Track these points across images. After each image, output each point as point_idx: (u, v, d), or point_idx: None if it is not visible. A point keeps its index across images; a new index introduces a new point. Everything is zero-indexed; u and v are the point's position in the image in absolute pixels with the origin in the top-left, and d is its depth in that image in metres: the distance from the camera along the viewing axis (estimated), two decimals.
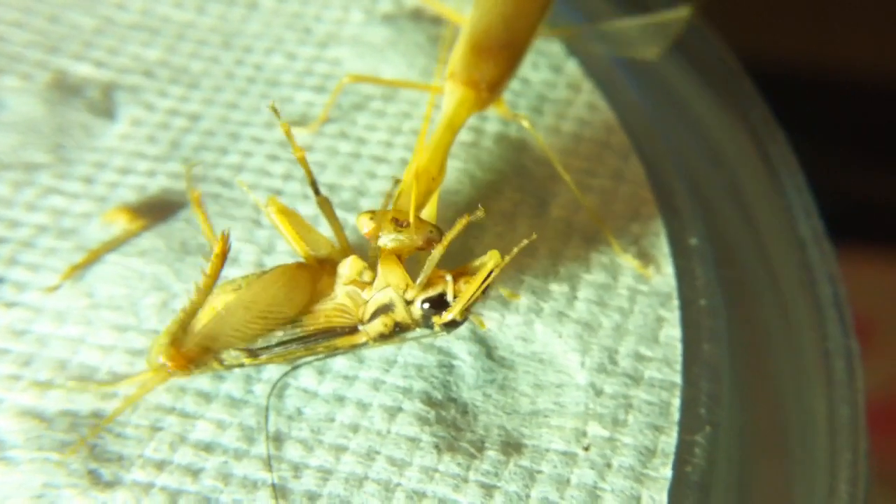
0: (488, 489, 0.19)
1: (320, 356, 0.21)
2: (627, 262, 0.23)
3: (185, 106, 0.27)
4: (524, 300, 0.23)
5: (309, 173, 0.20)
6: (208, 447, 0.20)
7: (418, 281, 0.19)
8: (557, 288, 0.23)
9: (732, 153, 0.27)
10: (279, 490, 0.19)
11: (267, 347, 0.20)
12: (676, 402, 0.20)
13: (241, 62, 0.29)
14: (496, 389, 0.21)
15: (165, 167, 0.26)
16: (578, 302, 0.23)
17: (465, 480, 0.20)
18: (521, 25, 0.25)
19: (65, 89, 0.27)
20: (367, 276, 0.20)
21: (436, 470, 0.20)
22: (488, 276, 0.19)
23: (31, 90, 0.27)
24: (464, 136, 0.27)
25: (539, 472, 0.20)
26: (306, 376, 0.21)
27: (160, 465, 0.20)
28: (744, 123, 0.27)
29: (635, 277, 0.23)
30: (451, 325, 0.20)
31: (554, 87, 0.29)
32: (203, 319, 0.19)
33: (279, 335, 0.20)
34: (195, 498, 0.19)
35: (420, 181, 0.21)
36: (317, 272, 0.20)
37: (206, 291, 0.19)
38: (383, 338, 0.20)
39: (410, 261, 0.21)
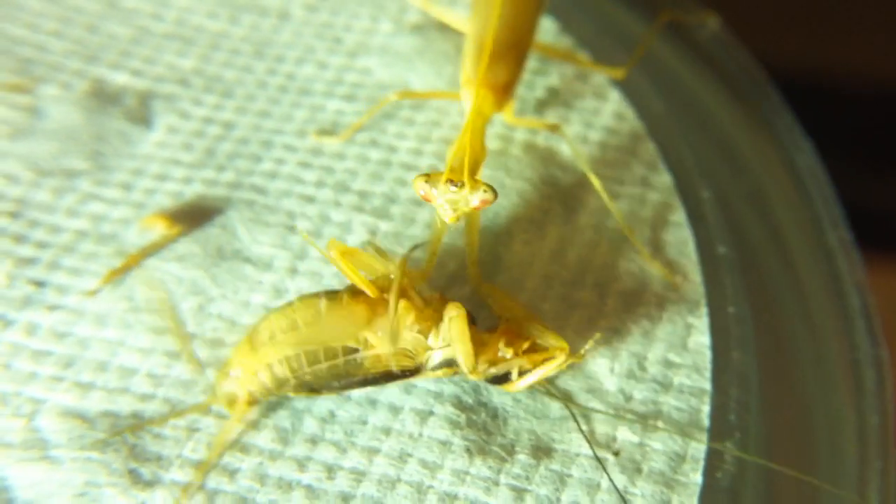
0: (519, 492, 0.20)
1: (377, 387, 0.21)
2: (656, 269, 0.24)
3: (219, 114, 0.28)
4: (553, 306, 0.23)
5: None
6: (244, 448, 0.20)
7: (505, 354, 0.20)
8: (586, 295, 0.23)
9: (759, 163, 0.27)
10: (313, 491, 0.20)
11: (330, 387, 0.20)
12: (706, 408, 0.21)
13: (273, 71, 0.29)
14: (526, 394, 0.22)
15: (201, 174, 0.26)
16: (607, 308, 0.23)
17: (497, 483, 0.20)
18: (522, 26, 0.26)
19: (103, 98, 0.28)
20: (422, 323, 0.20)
21: (467, 473, 0.20)
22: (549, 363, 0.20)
23: (70, 99, 0.28)
24: (492, 144, 0.27)
25: (569, 476, 0.20)
26: None
27: (198, 466, 0.20)
28: (770, 133, 0.28)
29: (663, 285, 0.23)
30: (499, 380, 0.21)
31: (581, 96, 0.29)
32: (263, 333, 0.20)
33: (343, 374, 0.20)
34: (232, 498, 0.20)
35: (465, 147, 0.21)
36: (378, 305, 0.20)
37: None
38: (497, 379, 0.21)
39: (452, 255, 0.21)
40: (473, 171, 0.21)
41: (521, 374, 0.20)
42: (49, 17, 0.30)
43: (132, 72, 0.29)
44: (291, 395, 0.20)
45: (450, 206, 0.20)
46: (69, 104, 0.28)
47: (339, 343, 0.20)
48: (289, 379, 0.20)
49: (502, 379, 0.20)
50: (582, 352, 0.20)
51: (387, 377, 0.20)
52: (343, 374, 0.20)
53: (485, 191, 0.20)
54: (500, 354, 0.20)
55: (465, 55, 0.26)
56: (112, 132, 0.27)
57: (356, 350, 0.20)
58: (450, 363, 0.20)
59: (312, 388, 0.20)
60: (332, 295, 0.21)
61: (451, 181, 0.20)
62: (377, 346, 0.20)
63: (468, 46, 0.26)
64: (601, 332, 0.21)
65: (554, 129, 0.26)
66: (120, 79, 0.29)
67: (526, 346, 0.20)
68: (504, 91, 0.25)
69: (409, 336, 0.20)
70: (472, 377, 0.20)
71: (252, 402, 0.20)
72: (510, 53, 0.25)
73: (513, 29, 0.26)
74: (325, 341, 0.20)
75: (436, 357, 0.20)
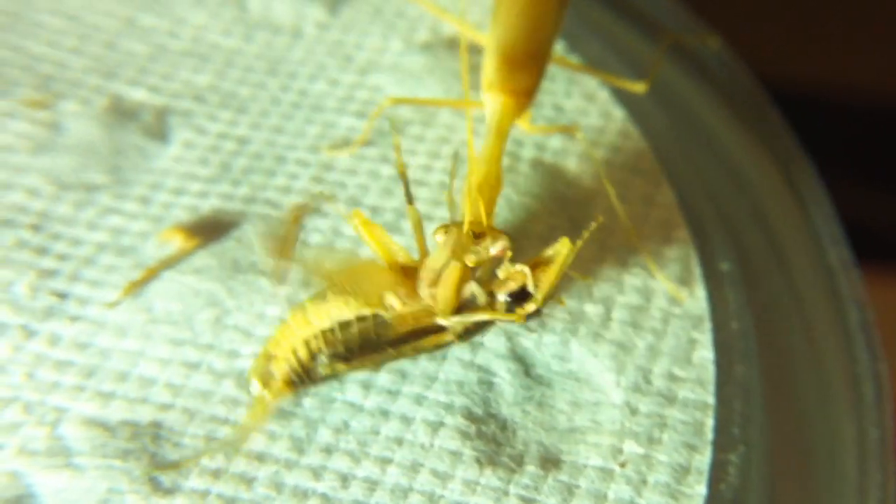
0: (528, 502, 0.20)
1: (407, 357, 0.22)
2: (661, 284, 0.24)
3: (234, 130, 0.29)
4: (560, 321, 0.24)
5: (406, 186, 0.21)
6: (261, 457, 0.21)
7: (500, 274, 0.21)
8: (592, 309, 0.24)
9: (760, 181, 0.28)
10: (329, 499, 0.20)
11: (361, 352, 0.21)
12: (710, 421, 0.21)
13: (286, 88, 0.30)
14: (534, 406, 0.22)
15: (217, 188, 0.27)
16: (613, 323, 0.24)
17: (506, 493, 0.20)
18: (543, 37, 0.27)
19: (121, 113, 0.29)
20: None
21: (477, 483, 0.21)
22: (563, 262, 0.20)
23: (89, 114, 0.29)
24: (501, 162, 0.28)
25: (577, 487, 0.21)
26: (352, 391, 0.22)
27: (216, 474, 0.21)
28: (772, 152, 0.28)
29: (668, 300, 0.24)
30: (533, 315, 0.21)
31: (587, 114, 0.30)
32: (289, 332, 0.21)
33: (374, 338, 0.21)
34: None
35: (483, 192, 0.22)
36: (399, 276, 0.21)
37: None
38: (468, 333, 0.21)
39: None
40: (490, 213, 0.22)
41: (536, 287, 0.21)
42: (68, 35, 0.31)
43: (149, 88, 0.30)
44: (326, 372, 0.21)
45: (471, 255, 0.21)
46: (88, 119, 0.28)
47: (365, 308, 0.20)
48: (323, 350, 0.20)
49: (521, 297, 0.21)
50: (586, 235, 0.21)
51: (416, 335, 0.21)
52: (374, 338, 0.21)
53: (503, 240, 0.21)
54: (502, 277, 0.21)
55: (486, 61, 0.26)
56: (130, 147, 0.28)
57: (380, 315, 0.21)
58: (469, 304, 0.21)
59: (347, 359, 0.21)
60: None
61: (473, 233, 0.21)
62: (398, 307, 0.21)
63: (490, 52, 0.26)
64: (595, 223, 0.21)
65: (571, 131, 0.26)
66: (137, 95, 0.29)
67: (532, 261, 0.21)
68: (526, 97, 0.25)
69: (428, 293, 0.21)
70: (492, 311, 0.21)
71: (289, 382, 0.20)
72: (533, 59, 0.26)
73: (536, 34, 0.26)
74: (353, 306, 0.20)
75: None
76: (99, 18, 0.32)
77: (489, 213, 0.22)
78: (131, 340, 0.23)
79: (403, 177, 0.21)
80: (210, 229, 0.26)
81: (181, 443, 0.21)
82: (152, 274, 0.24)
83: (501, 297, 0.21)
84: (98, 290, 0.24)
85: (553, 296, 0.21)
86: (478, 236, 0.21)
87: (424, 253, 0.22)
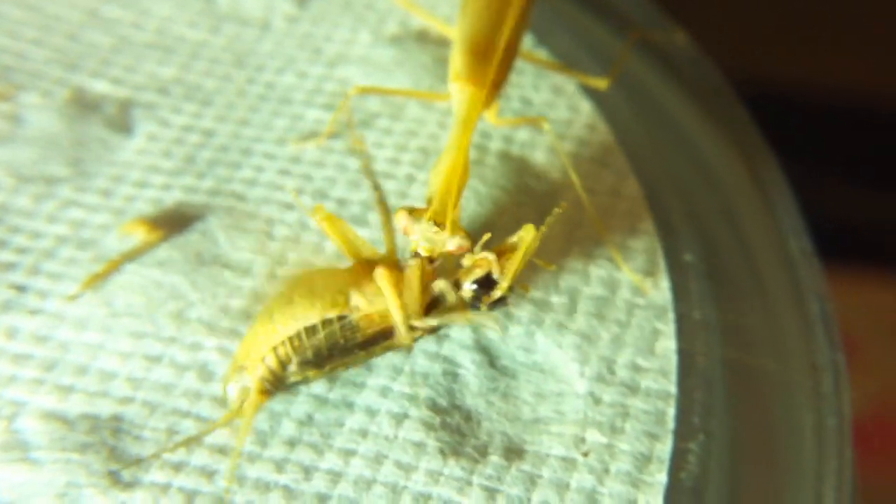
0: (491, 492, 0.20)
1: (377, 356, 0.21)
2: (626, 276, 0.24)
3: (199, 122, 0.28)
4: (525, 312, 0.24)
5: (378, 187, 0.21)
6: (223, 450, 0.21)
7: (464, 262, 0.21)
8: (558, 300, 0.24)
9: (725, 174, 0.28)
10: (291, 492, 0.20)
11: (330, 357, 0.21)
12: (672, 411, 0.21)
13: (252, 80, 0.30)
14: (499, 397, 0.22)
15: (181, 181, 0.27)
16: (578, 314, 0.24)
17: (469, 484, 0.20)
18: (510, 29, 0.27)
19: (83, 105, 0.28)
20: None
21: (441, 474, 0.21)
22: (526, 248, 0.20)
23: (50, 106, 0.28)
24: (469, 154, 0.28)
25: (540, 476, 0.21)
26: (317, 383, 0.22)
27: (177, 467, 0.20)
28: (736, 146, 0.29)
29: (633, 291, 0.24)
30: (498, 303, 0.21)
31: (554, 107, 0.30)
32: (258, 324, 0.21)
33: (341, 342, 0.21)
34: (210, 498, 0.20)
35: (451, 185, 0.22)
36: (363, 273, 0.21)
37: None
38: (434, 329, 0.21)
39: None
40: (455, 206, 0.22)
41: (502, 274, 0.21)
42: (29, 26, 0.31)
43: (112, 80, 0.29)
44: (297, 378, 0.21)
45: (427, 243, 0.21)
46: (50, 112, 0.28)
47: (332, 309, 0.20)
48: (291, 358, 0.20)
49: (486, 285, 0.21)
50: (549, 220, 0.20)
51: (384, 335, 0.21)
52: (342, 341, 0.21)
53: (462, 237, 0.21)
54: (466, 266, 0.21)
55: (454, 52, 0.26)
56: (92, 139, 0.28)
57: (346, 316, 0.21)
58: (437, 300, 0.21)
59: (317, 365, 0.21)
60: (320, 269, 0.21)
61: (434, 221, 0.21)
62: (364, 307, 0.20)
63: (457, 43, 0.26)
64: (558, 209, 0.21)
65: (539, 123, 0.26)
66: (100, 87, 0.29)
67: (497, 249, 0.21)
68: (493, 88, 0.25)
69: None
70: (460, 304, 0.21)
71: (264, 391, 0.20)
72: (500, 51, 0.26)
73: (503, 25, 0.26)
74: (318, 308, 0.20)
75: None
76: (61, 9, 0.31)
77: (455, 204, 0.22)
78: (92, 333, 0.23)
79: (372, 178, 0.21)
80: (173, 222, 0.25)
81: (142, 436, 0.21)
82: (114, 267, 0.24)
83: (467, 285, 0.21)
84: (58, 284, 0.24)
85: (518, 282, 0.21)
86: (438, 226, 0.21)
87: (392, 249, 0.22)
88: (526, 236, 0.21)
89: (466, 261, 0.21)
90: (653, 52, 0.32)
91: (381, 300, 0.21)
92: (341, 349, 0.21)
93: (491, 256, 0.21)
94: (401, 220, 0.21)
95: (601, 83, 0.28)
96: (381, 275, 0.20)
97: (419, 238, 0.21)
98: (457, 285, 0.21)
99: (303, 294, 0.21)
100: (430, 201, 0.22)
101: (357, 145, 0.21)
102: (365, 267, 0.21)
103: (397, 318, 0.20)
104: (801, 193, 0.27)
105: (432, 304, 0.21)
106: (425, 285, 0.21)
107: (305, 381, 0.21)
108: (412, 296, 0.21)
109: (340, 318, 0.20)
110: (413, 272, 0.21)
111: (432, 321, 0.21)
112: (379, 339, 0.21)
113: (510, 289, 0.21)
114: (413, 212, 0.21)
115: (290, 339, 0.20)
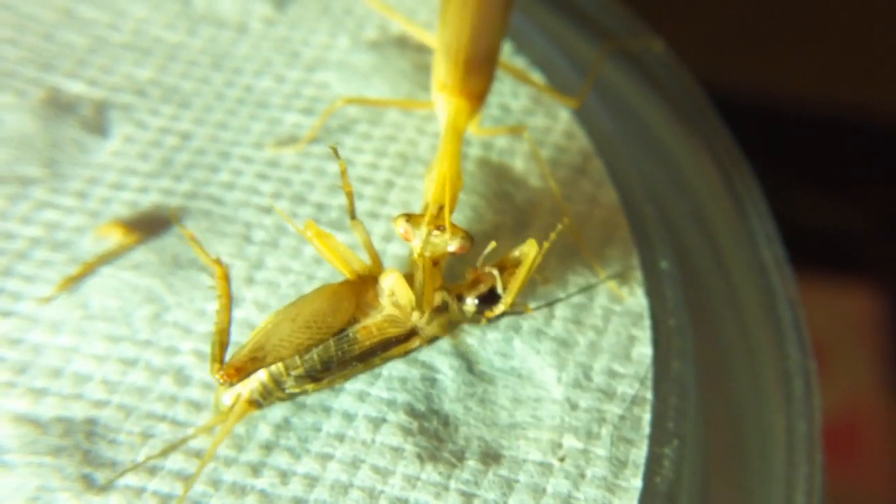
0: (468, 497, 0.20)
1: (376, 367, 0.21)
2: (604, 282, 0.25)
3: (177, 125, 0.28)
4: (503, 320, 0.24)
5: (351, 202, 0.21)
6: (198, 454, 0.21)
7: (468, 277, 0.21)
8: (536, 307, 0.24)
9: (699, 182, 0.28)
10: (267, 496, 0.20)
11: (328, 370, 0.21)
12: (647, 416, 0.22)
13: (230, 83, 0.30)
14: (476, 402, 0.22)
15: (157, 184, 0.26)
16: (556, 320, 0.24)
17: (447, 489, 0.20)
18: (492, 39, 0.27)
19: (58, 106, 0.28)
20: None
21: (418, 478, 0.21)
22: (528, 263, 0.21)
23: (25, 107, 0.28)
24: None
25: (516, 481, 0.21)
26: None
27: (152, 471, 0.20)
28: (711, 154, 0.29)
29: (609, 298, 0.24)
30: (499, 318, 0.21)
31: (533, 114, 0.30)
32: (252, 337, 0.20)
33: (338, 355, 0.21)
34: (185, 502, 0.20)
35: (448, 188, 0.22)
36: (359, 287, 0.21)
37: (226, 310, 0.20)
38: (435, 336, 0.21)
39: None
40: (452, 209, 0.22)
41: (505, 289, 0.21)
42: (3, 25, 0.30)
43: (88, 81, 0.29)
44: (296, 391, 0.21)
45: (429, 246, 0.21)
46: (24, 112, 0.28)
47: (327, 325, 0.20)
48: (283, 374, 0.20)
49: (489, 300, 0.21)
50: (552, 236, 0.21)
51: (384, 346, 0.21)
52: (339, 354, 0.21)
53: (462, 237, 0.21)
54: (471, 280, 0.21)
55: (436, 64, 0.27)
56: (67, 141, 0.27)
57: (343, 330, 0.21)
58: (439, 310, 0.21)
59: (315, 379, 0.21)
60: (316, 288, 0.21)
61: (432, 224, 0.21)
62: (362, 319, 0.21)
63: (441, 54, 0.27)
64: (561, 224, 0.21)
65: (518, 131, 0.27)
66: (76, 88, 0.29)
67: (499, 263, 0.21)
68: (478, 99, 0.26)
69: (390, 302, 0.21)
70: (462, 316, 0.21)
71: (252, 402, 0.20)
72: (485, 62, 0.26)
73: (487, 37, 0.27)
74: (313, 326, 0.20)
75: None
76: (35, 9, 0.31)
77: (452, 208, 0.22)
78: (66, 336, 0.22)
79: (349, 196, 0.21)
80: (150, 225, 0.25)
81: (116, 440, 0.21)
82: (89, 269, 0.24)
83: (470, 300, 0.21)
84: (31, 286, 0.23)
85: (521, 298, 0.21)
86: (438, 229, 0.21)
87: (378, 264, 0.22)
88: (529, 251, 0.21)
89: (469, 275, 0.21)
90: (630, 61, 0.32)
91: (377, 312, 0.21)
92: (339, 362, 0.21)
93: (495, 272, 0.21)
94: (400, 227, 0.21)
95: (572, 103, 0.28)
96: (395, 277, 0.20)
97: (421, 242, 0.21)
98: (459, 299, 0.21)
99: (293, 316, 0.20)
100: (426, 207, 0.22)
101: (338, 161, 0.21)
102: (361, 280, 0.21)
103: (417, 312, 0.20)
104: (774, 201, 0.27)
105: (433, 315, 0.21)
106: (433, 288, 0.21)
107: (304, 393, 0.21)
108: (421, 291, 0.21)
109: (336, 332, 0.21)
110: (420, 275, 0.21)
111: (436, 330, 0.21)
112: (378, 350, 0.21)
113: (512, 304, 0.21)
114: (411, 218, 0.21)
115: (283, 361, 0.20)
